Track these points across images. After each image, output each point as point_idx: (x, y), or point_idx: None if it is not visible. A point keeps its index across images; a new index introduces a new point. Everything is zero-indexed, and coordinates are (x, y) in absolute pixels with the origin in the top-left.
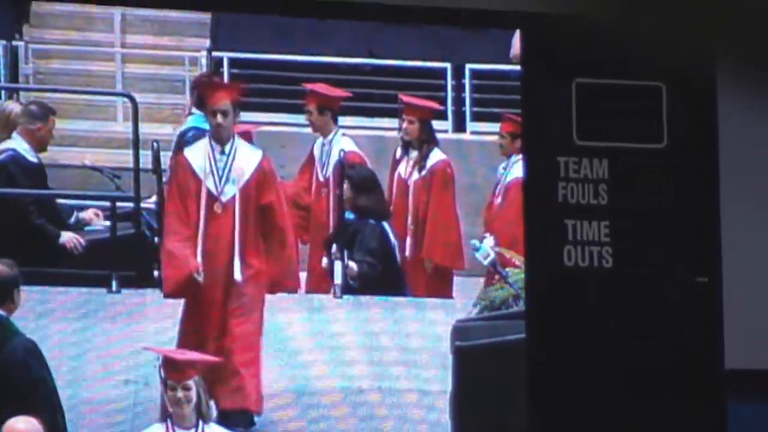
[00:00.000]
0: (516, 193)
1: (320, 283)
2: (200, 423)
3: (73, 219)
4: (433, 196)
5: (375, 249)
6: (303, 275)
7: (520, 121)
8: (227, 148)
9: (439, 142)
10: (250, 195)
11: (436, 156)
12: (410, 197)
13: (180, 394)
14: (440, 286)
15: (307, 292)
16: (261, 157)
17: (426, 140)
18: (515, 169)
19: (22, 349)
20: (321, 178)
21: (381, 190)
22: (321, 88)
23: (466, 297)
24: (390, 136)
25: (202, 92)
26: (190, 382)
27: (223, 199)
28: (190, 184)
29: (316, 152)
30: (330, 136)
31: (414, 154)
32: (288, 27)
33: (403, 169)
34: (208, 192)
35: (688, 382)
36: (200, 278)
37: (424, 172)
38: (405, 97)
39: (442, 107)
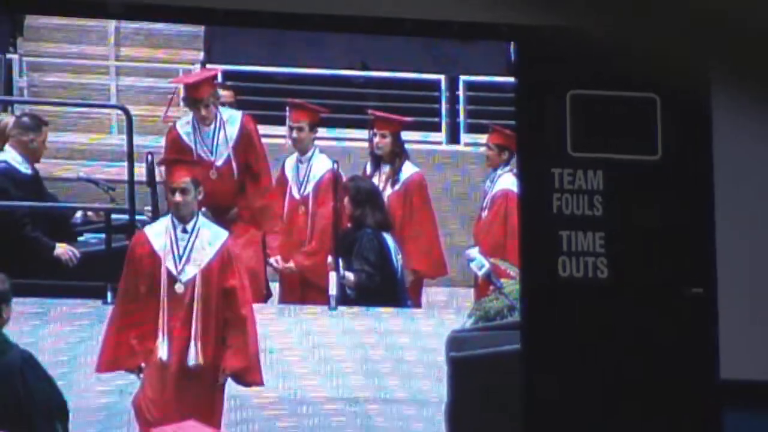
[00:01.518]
0: (500, 202)
1: (295, 294)
2: None
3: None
4: (413, 209)
5: (373, 258)
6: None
7: (508, 134)
8: (190, 227)
9: (409, 155)
10: (211, 277)
11: (408, 169)
12: None
13: None
14: (413, 297)
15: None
16: (225, 237)
17: (398, 153)
18: (501, 181)
19: (19, 359)
20: (297, 196)
21: (382, 201)
22: (310, 105)
23: (463, 307)
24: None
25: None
26: None
27: (183, 279)
28: (147, 263)
29: (290, 171)
30: (308, 154)
31: (386, 168)
32: (281, 39)
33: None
34: (168, 272)
35: (683, 392)
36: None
37: (398, 186)
38: (376, 111)
39: (411, 120)
